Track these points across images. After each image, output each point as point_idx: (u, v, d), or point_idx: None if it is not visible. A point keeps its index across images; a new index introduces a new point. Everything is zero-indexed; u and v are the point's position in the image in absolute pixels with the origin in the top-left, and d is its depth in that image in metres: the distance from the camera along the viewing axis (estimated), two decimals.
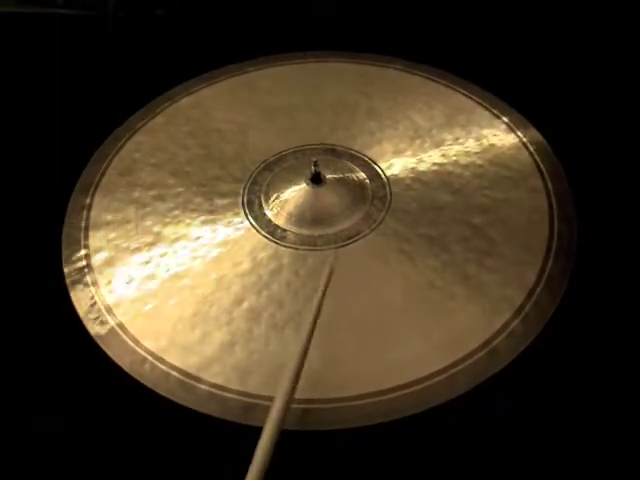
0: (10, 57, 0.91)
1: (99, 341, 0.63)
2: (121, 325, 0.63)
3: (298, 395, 0.55)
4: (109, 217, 0.71)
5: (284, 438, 0.51)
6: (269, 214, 0.70)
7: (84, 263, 0.68)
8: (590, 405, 0.60)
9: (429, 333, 0.61)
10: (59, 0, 0.93)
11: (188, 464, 0.58)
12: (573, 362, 0.62)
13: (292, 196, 0.71)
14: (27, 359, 0.65)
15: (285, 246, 0.67)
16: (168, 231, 0.70)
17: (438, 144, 0.75)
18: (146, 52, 0.90)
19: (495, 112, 0.79)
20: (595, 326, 0.64)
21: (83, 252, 0.69)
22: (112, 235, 0.70)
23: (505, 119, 0.77)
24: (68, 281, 0.67)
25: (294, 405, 0.55)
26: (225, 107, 0.80)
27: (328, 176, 0.71)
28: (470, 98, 0.80)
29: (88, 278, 0.67)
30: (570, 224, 0.68)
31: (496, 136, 0.76)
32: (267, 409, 0.53)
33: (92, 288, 0.66)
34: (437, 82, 0.82)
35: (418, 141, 0.76)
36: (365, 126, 0.77)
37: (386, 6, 0.94)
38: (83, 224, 0.71)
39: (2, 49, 0.91)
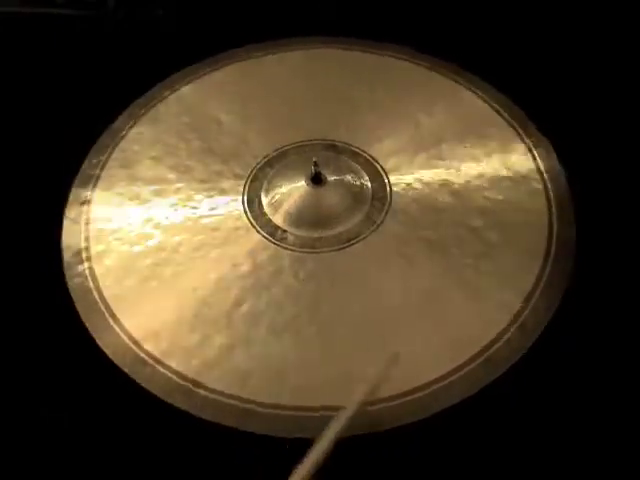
0: (10, 57, 0.90)
1: (98, 341, 0.63)
2: (121, 325, 0.63)
3: (291, 402, 0.56)
4: (109, 212, 0.71)
5: (277, 445, 0.52)
6: (269, 214, 0.70)
7: (84, 259, 0.68)
8: (587, 412, 0.60)
9: (427, 340, 0.61)
10: (59, 0, 0.93)
11: (185, 468, 0.58)
12: (571, 368, 0.62)
13: (292, 196, 0.70)
14: (25, 357, 0.65)
15: (285, 247, 0.67)
16: (168, 229, 0.69)
17: (439, 142, 0.75)
18: (146, 52, 0.89)
19: (496, 107, 0.78)
20: (593, 332, 0.64)
21: (83, 246, 0.69)
22: (112, 230, 0.70)
23: (507, 117, 0.77)
24: (67, 276, 0.67)
25: (287, 412, 0.56)
26: (226, 97, 0.80)
27: (328, 176, 0.71)
28: (473, 92, 0.79)
29: (87, 274, 0.67)
30: (569, 228, 0.68)
31: (497, 135, 0.76)
32: (264, 415, 0.54)
33: (91, 284, 0.66)
34: (440, 73, 0.81)
35: (419, 138, 0.75)
36: (367, 121, 0.77)
37: (387, 17, 0.93)
38: (83, 218, 0.71)
39: (2, 49, 0.91)
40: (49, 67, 0.88)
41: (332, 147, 0.75)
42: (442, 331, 0.62)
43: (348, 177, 0.72)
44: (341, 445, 0.55)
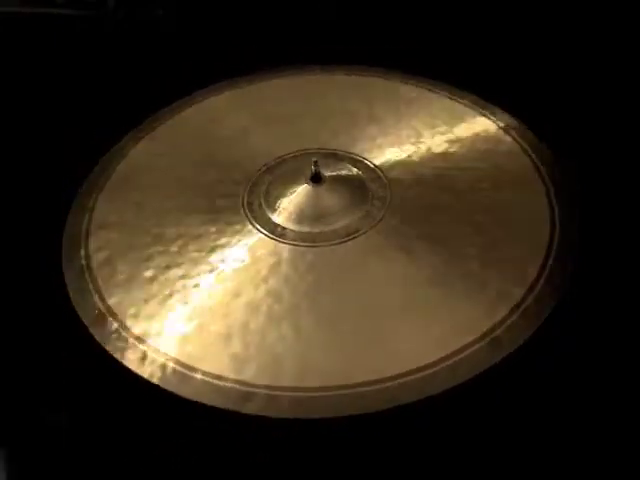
0: (10, 57, 0.91)
1: (97, 336, 0.63)
2: (119, 321, 0.63)
3: (297, 382, 0.56)
4: (111, 219, 0.72)
5: (282, 426, 0.51)
6: (269, 213, 0.70)
7: (84, 263, 0.68)
8: (589, 399, 0.60)
9: (429, 325, 0.61)
10: (59, 0, 0.94)
11: (185, 452, 0.58)
12: (573, 356, 0.62)
13: (292, 196, 0.71)
14: (24, 358, 0.65)
15: (284, 243, 0.67)
16: (168, 231, 0.70)
17: (439, 149, 0.76)
18: (146, 52, 0.90)
19: (494, 119, 0.79)
20: (596, 320, 0.64)
21: (83, 253, 0.69)
22: (113, 236, 0.70)
23: (504, 125, 0.78)
24: (68, 281, 0.67)
25: (292, 393, 0.56)
26: (227, 117, 0.81)
27: (328, 174, 0.72)
28: (471, 108, 0.80)
29: (88, 278, 0.67)
30: (571, 220, 0.68)
31: (496, 142, 0.76)
32: (263, 397, 0.55)
33: (91, 287, 0.66)
34: (438, 93, 0.82)
35: (419, 146, 0.76)
36: (366, 132, 0.78)
37: (387, 18, 0.94)
38: (85, 226, 0.71)
39: (2, 49, 0.92)
40: (49, 67, 0.89)
41: (332, 155, 0.76)
42: (444, 318, 0.61)
43: (348, 177, 0.73)
44: (344, 425, 0.55)
